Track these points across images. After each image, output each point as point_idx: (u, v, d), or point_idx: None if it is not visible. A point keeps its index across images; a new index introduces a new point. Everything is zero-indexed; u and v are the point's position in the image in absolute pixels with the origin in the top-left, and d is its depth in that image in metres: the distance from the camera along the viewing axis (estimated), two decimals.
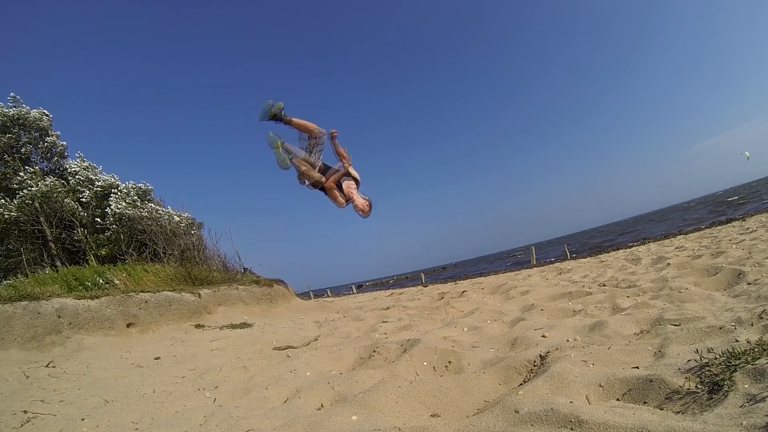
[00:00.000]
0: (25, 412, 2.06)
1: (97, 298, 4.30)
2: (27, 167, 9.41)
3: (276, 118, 3.64)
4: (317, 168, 3.46)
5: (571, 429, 1.34)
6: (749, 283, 3.23)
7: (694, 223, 18.63)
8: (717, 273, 3.90)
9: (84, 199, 9.47)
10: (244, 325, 5.00)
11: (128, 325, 4.39)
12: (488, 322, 3.82)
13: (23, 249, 8.39)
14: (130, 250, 8.85)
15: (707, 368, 1.56)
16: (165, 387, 2.64)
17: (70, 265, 7.66)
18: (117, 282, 6.19)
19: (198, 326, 4.87)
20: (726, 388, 1.41)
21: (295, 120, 3.47)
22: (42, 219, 8.80)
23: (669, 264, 5.27)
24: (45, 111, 10.10)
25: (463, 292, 6.53)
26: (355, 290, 23.39)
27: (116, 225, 9.04)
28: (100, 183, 9.77)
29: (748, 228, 8.57)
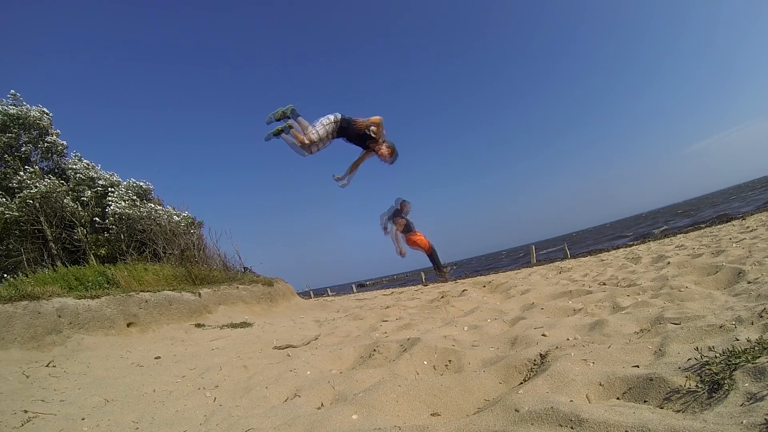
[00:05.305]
0: (26, 411, 2.06)
1: (97, 297, 4.30)
2: (27, 167, 9.41)
3: (285, 116, 4.09)
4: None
5: (572, 428, 1.34)
6: (749, 282, 3.22)
7: None
8: (717, 272, 3.89)
9: (84, 199, 9.48)
10: (244, 325, 5.00)
11: (128, 325, 4.39)
12: (488, 320, 3.82)
13: (23, 249, 8.40)
14: (130, 249, 8.87)
15: (707, 367, 1.56)
16: (165, 386, 2.64)
17: (71, 265, 7.67)
18: (120, 280, 6.18)
19: (198, 325, 4.87)
20: (726, 387, 1.40)
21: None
22: (42, 219, 8.81)
23: (669, 263, 5.26)
24: (45, 110, 10.09)
25: (463, 291, 6.53)
26: (355, 289, 23.39)
27: (116, 225, 9.05)
28: (101, 182, 9.78)
29: (748, 227, 8.57)
